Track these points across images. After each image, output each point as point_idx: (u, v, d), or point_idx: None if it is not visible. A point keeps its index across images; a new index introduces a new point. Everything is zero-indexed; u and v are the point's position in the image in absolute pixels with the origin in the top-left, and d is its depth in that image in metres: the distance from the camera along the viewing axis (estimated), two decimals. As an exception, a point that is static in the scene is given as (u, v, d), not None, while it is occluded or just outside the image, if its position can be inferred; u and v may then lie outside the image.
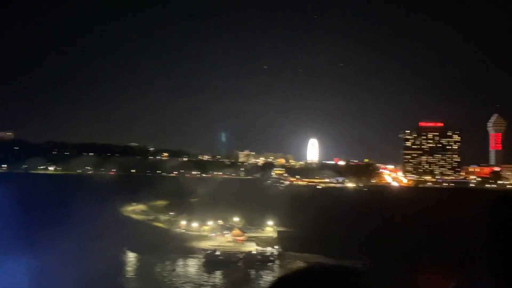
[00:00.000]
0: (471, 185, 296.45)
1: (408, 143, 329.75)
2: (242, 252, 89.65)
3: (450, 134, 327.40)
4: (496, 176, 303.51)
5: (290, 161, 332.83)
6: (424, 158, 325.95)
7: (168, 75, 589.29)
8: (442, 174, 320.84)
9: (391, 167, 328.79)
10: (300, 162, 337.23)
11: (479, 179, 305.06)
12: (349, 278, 2.17)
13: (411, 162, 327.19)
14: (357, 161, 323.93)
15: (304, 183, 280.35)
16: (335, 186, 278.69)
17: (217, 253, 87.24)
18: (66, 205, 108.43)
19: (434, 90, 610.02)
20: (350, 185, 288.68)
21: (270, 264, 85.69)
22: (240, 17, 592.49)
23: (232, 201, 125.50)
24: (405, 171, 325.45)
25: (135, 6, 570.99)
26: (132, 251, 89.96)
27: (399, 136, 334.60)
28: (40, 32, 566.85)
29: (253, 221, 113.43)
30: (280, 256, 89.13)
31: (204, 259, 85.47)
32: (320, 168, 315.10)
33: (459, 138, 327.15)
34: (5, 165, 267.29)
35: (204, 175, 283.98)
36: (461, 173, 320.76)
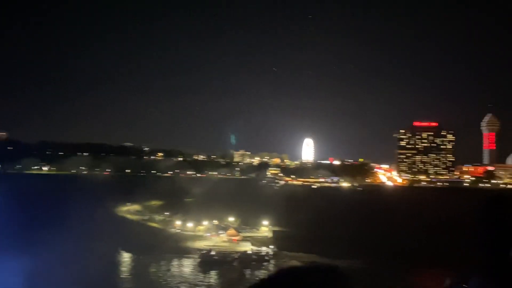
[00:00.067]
0: (465, 184, 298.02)
1: (403, 143, 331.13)
2: (237, 252, 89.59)
3: (444, 133, 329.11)
4: (490, 175, 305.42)
5: (285, 160, 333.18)
6: (418, 157, 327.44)
7: (163, 75, 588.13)
8: (436, 173, 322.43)
9: (385, 166, 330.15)
10: (295, 162, 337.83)
11: (473, 178, 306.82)
12: (327, 278, 2.18)
13: (405, 162, 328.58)
14: (352, 160, 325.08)
15: (299, 182, 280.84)
16: (330, 186, 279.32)
17: (212, 253, 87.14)
18: (60, 206, 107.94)
19: (428, 90, 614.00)
20: (345, 184, 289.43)
21: (265, 263, 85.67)
22: (236, 17, 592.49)
23: (227, 201, 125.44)
24: (400, 171, 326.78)
25: (128, 5, 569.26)
26: (127, 251, 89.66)
27: (394, 135, 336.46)
28: (34, 32, 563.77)
29: (248, 221, 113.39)
30: (275, 255, 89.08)
31: (199, 259, 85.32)
32: (315, 168, 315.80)
33: (453, 137, 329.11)
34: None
35: (199, 175, 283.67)
36: (455, 173, 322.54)
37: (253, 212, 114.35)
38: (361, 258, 76.81)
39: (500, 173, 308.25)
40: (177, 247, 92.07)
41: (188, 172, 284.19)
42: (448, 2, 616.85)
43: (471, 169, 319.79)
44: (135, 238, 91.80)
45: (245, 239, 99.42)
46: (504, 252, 3.48)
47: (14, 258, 53.31)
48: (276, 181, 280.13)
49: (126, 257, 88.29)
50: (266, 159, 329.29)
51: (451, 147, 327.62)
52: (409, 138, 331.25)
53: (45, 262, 63.16)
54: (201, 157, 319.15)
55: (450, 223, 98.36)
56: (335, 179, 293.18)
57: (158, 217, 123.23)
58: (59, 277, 59.55)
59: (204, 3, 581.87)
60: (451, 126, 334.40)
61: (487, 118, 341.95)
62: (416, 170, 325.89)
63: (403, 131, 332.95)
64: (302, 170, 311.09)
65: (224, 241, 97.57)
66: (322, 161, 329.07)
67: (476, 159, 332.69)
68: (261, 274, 79.30)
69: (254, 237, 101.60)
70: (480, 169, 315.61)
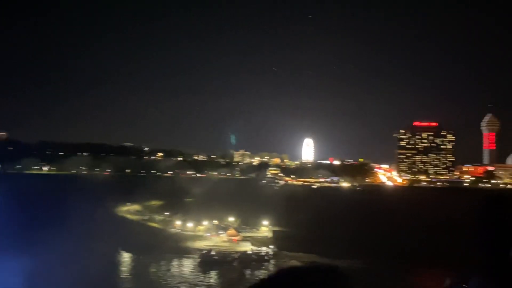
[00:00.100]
0: (465, 184, 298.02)
1: (403, 143, 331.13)
2: (237, 252, 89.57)
3: (444, 133, 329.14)
4: (490, 175, 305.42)
5: (285, 160, 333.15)
6: (418, 157, 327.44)
7: (163, 75, 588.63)
8: (436, 173, 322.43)
9: (385, 166, 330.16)
10: (295, 162, 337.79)
11: (473, 178, 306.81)
12: (327, 278, 2.19)
13: (405, 162, 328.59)
14: (352, 160, 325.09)
15: (299, 182, 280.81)
16: (330, 186, 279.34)
17: (212, 253, 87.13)
18: (60, 206, 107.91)
19: (428, 90, 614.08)
20: (345, 184, 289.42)
21: (265, 263, 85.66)
22: (235, 17, 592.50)
23: (227, 201, 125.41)
24: (400, 171, 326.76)
25: (128, 5, 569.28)
26: (127, 251, 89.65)
27: (394, 135, 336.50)
28: (33, 32, 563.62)
29: (248, 221, 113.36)
30: (275, 255, 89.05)
31: (199, 259, 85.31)
32: (315, 168, 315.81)
33: (453, 137, 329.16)
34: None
35: (199, 175, 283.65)
36: (455, 173, 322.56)
37: (253, 212, 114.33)
38: (361, 258, 76.81)
39: (500, 173, 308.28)
40: (177, 247, 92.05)
41: (188, 172, 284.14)
42: (448, 2, 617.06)
43: (471, 169, 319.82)
44: (135, 238, 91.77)
45: (245, 239, 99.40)
46: (504, 252, 3.48)
47: (14, 258, 53.31)
48: (276, 181, 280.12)
49: (126, 257, 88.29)
50: (266, 159, 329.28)
51: (451, 147, 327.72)
52: (409, 138, 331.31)
53: (45, 262, 63.15)
54: (201, 157, 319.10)
55: (450, 223, 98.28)
56: (335, 179, 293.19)
57: (158, 217, 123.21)
58: (59, 277, 59.52)
59: (204, 3, 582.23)
60: (451, 126, 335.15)
61: (487, 118, 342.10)
62: (416, 170, 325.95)
63: (403, 131, 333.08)
64: (302, 170, 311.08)
65: (224, 241, 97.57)
66: (322, 161, 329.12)
67: (476, 159, 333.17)
68: (261, 274, 79.26)
69: (254, 237, 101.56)
70: (480, 169, 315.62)
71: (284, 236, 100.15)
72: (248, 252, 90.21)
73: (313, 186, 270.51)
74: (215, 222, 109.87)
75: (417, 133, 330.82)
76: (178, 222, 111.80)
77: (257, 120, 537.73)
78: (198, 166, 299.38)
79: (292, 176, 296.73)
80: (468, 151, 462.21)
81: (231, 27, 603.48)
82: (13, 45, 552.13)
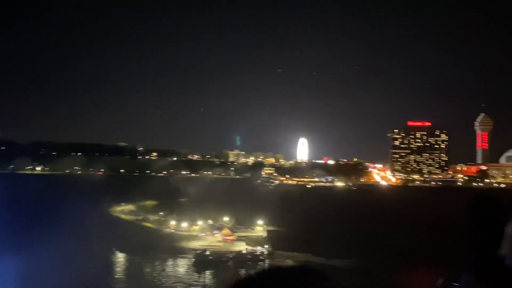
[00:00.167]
0: (458, 183, 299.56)
1: (397, 142, 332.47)
2: (232, 252, 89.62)
3: (438, 133, 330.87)
4: (483, 174, 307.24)
5: (280, 160, 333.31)
6: (412, 157, 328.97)
7: (158, 75, 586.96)
8: (430, 173, 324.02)
9: (379, 166, 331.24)
10: (290, 162, 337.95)
11: (466, 177, 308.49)
12: (307, 281, 2.16)
13: (399, 161, 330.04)
14: (346, 160, 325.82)
15: (294, 182, 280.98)
16: (325, 185, 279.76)
17: (207, 253, 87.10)
18: (54, 206, 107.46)
19: (422, 90, 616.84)
20: (340, 184, 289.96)
21: (260, 263, 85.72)
22: (229, 16, 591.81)
23: (222, 200, 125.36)
24: (394, 170, 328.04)
25: (127, 5, 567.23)
26: (122, 251, 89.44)
27: (388, 135, 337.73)
28: (27, 32, 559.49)
29: (243, 221, 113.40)
30: (270, 255, 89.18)
31: (194, 259, 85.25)
32: (309, 168, 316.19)
33: (447, 137, 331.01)
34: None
35: (193, 174, 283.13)
36: (448, 172, 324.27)
37: (248, 212, 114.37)
38: (355, 257, 77.16)
39: (493, 172, 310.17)
40: (172, 247, 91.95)
41: (182, 172, 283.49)
42: (443, 3, 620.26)
43: (465, 168, 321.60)
44: (130, 238, 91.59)
45: (239, 238, 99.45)
46: (492, 251, 3.58)
47: (7, 259, 53.04)
48: (271, 180, 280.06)
49: (120, 257, 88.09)
50: (260, 159, 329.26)
51: (444, 146, 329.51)
52: (403, 137, 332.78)
53: (39, 263, 62.90)
54: (195, 157, 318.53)
55: (442, 223, 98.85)
56: (330, 178, 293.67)
57: (152, 217, 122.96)
58: (53, 277, 59.30)
59: (204, 3, 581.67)
60: (444, 125, 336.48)
61: (480, 117, 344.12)
62: (410, 169, 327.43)
63: (397, 130, 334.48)
64: (296, 170, 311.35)
65: (219, 241, 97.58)
66: (317, 161, 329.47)
67: (470, 159, 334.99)
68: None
69: (249, 237, 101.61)
70: (474, 169, 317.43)
71: (279, 235, 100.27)
72: (242, 251, 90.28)
73: (307, 186, 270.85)
74: (210, 222, 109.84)
75: (411, 132, 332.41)
76: (172, 222, 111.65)
77: (252, 120, 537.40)
78: (193, 166, 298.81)
79: (286, 176, 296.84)
80: (461, 151, 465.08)
81: (231, 27, 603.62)
82: (9, 45, 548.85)
